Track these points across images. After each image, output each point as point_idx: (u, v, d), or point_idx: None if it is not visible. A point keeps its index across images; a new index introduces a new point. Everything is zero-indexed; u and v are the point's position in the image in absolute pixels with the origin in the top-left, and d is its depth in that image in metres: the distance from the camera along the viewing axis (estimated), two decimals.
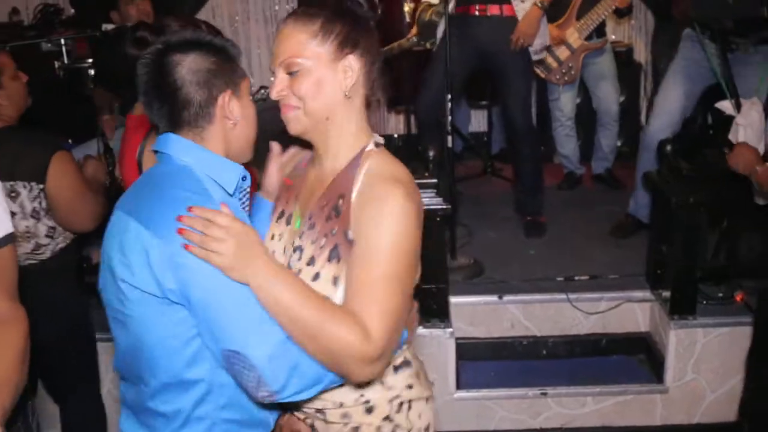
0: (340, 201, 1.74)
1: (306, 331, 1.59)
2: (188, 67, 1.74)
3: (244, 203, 1.87)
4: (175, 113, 1.76)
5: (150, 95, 1.77)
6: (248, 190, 1.88)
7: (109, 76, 4.77)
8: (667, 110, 4.38)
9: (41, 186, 2.96)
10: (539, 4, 4.52)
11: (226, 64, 1.78)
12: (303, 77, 1.72)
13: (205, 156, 1.78)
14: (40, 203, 3.00)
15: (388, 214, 1.64)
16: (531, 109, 4.98)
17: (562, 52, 5.45)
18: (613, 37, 6.05)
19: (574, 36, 5.42)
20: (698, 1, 3.69)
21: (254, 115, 1.86)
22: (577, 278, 4.26)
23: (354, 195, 1.72)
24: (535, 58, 4.78)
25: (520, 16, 4.53)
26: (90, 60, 5.26)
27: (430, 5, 4.83)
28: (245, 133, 1.84)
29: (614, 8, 5.33)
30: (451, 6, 4.48)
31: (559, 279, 4.26)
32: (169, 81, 1.73)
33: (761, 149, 3.24)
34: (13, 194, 2.93)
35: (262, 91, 5.77)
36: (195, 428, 1.74)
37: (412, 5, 5.22)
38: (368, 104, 1.82)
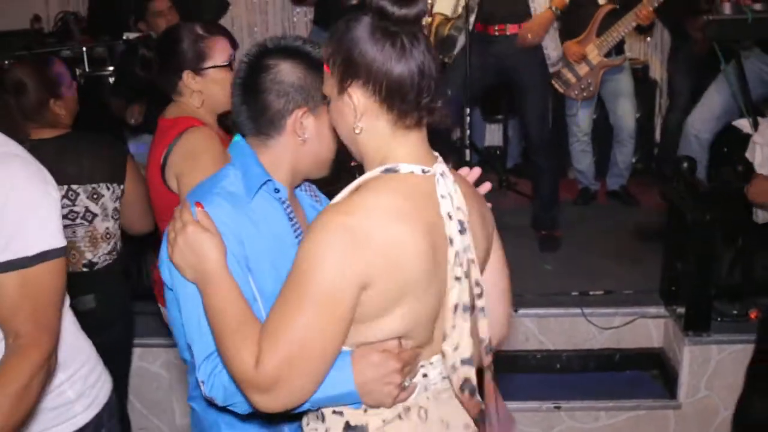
0: None
1: (218, 341, 1.59)
2: (276, 75, 1.77)
3: (289, 214, 1.87)
4: (251, 116, 1.80)
5: (236, 93, 1.82)
6: (287, 201, 1.88)
7: (128, 85, 4.83)
8: (711, 111, 4.40)
9: (122, 186, 3.10)
10: (553, 9, 4.60)
11: (315, 80, 1.78)
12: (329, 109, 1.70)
13: (243, 160, 1.82)
14: (118, 204, 3.12)
15: (318, 241, 1.51)
16: (549, 123, 5.03)
17: (582, 68, 5.47)
18: (630, 54, 6.06)
19: (593, 52, 5.44)
20: (717, 22, 3.71)
21: (330, 136, 1.84)
22: (591, 293, 4.28)
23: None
24: (552, 70, 4.84)
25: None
26: (111, 68, 5.30)
27: (448, 19, 4.87)
28: (315, 152, 1.85)
29: (635, 25, 5.35)
30: (470, 23, 4.54)
31: (574, 294, 4.28)
32: (256, 83, 1.78)
33: None
34: (95, 196, 3.03)
35: None
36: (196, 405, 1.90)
37: (429, 19, 5.25)
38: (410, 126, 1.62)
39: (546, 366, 4.19)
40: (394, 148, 1.61)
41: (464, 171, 1.87)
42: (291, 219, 1.87)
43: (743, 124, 4.07)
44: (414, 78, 1.55)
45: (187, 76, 2.57)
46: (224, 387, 1.63)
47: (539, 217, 5.09)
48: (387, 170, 1.59)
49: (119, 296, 3.29)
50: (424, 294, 1.57)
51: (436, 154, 1.68)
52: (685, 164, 3.98)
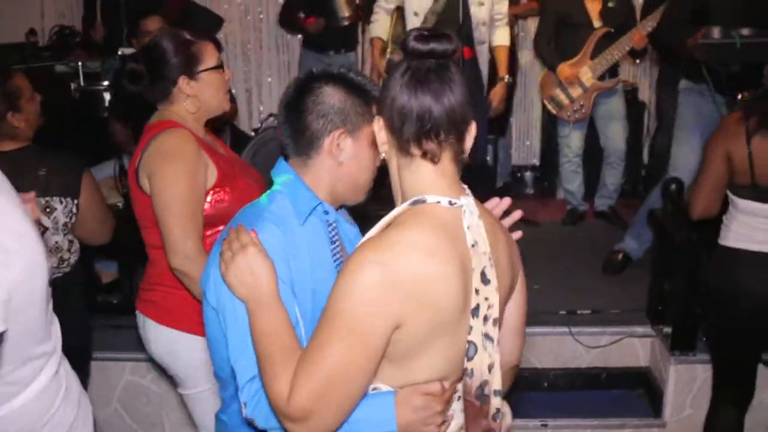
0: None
1: (261, 365, 1.64)
2: (318, 96, 1.84)
3: (332, 237, 1.93)
4: (292, 135, 1.87)
5: (281, 113, 1.89)
6: (334, 226, 1.94)
7: (124, 102, 4.86)
8: (689, 167, 4.45)
9: (76, 201, 3.11)
10: (506, 79, 4.87)
11: (355, 104, 1.85)
12: None
13: (290, 184, 1.87)
14: (71, 218, 3.12)
15: (353, 280, 1.55)
16: (486, 147, 5.21)
17: (575, 90, 5.53)
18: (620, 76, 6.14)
19: (587, 75, 5.50)
20: (706, 45, 3.78)
21: (369, 161, 1.89)
22: (579, 312, 4.33)
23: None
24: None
25: (480, 57, 4.74)
26: (105, 83, 5.33)
27: (397, 45, 4.97)
28: (352, 174, 1.89)
29: (629, 48, 5.42)
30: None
31: (561, 313, 4.33)
32: (299, 104, 1.84)
33: None
34: (48, 209, 3.05)
35: (271, 118, 5.86)
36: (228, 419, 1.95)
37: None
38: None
39: (533, 384, 4.22)
40: (419, 178, 1.65)
41: (494, 202, 1.93)
42: (333, 242, 1.92)
43: None
44: (425, 111, 1.59)
45: (182, 82, 2.57)
46: (266, 411, 1.67)
47: None
48: (414, 202, 1.63)
49: (71, 310, 3.16)
50: (458, 332, 1.61)
51: (465, 186, 1.71)
52: (673, 186, 4.03)
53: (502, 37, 4.90)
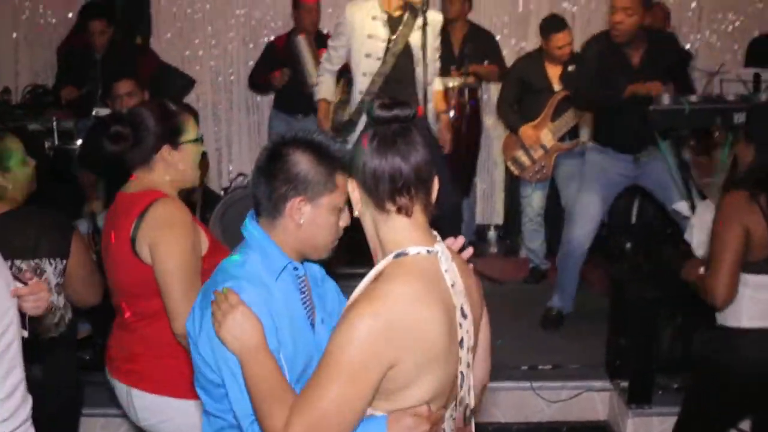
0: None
1: (255, 405, 1.82)
2: (285, 164, 1.96)
3: (302, 288, 2.08)
4: (262, 197, 2.00)
5: (253, 176, 2.02)
6: (304, 278, 2.10)
7: (96, 159, 4.94)
8: (590, 217, 4.74)
9: (65, 261, 3.07)
10: (449, 115, 5.11)
11: (319, 173, 1.97)
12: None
13: (260, 242, 2.02)
14: (62, 278, 3.10)
15: (349, 333, 1.71)
16: (451, 192, 5.21)
17: (537, 152, 5.73)
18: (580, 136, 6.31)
19: (548, 136, 5.72)
20: (657, 112, 4.00)
21: (327, 225, 2.01)
22: (540, 367, 4.47)
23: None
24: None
25: (429, 115, 4.89)
26: (79, 141, 5.40)
27: (343, 103, 5.11)
28: (311, 237, 2.01)
29: None
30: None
31: (523, 368, 4.46)
32: (269, 168, 1.98)
33: None
34: (38, 271, 2.99)
35: (241, 178, 5.99)
36: None
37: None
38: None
39: None
40: (397, 232, 1.82)
41: (449, 242, 2.05)
42: (303, 293, 2.07)
43: (682, 207, 4.35)
44: (396, 171, 1.78)
45: (165, 150, 2.67)
46: None
47: None
48: (398, 255, 1.79)
49: (66, 367, 3.26)
50: (446, 363, 1.78)
51: (435, 233, 1.89)
52: (628, 245, 4.21)
53: (437, 85, 5.09)
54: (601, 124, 4.83)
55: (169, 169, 2.71)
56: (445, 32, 5.29)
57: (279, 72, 6.33)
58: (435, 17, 4.88)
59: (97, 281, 3.19)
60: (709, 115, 3.93)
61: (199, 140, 2.77)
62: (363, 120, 4.78)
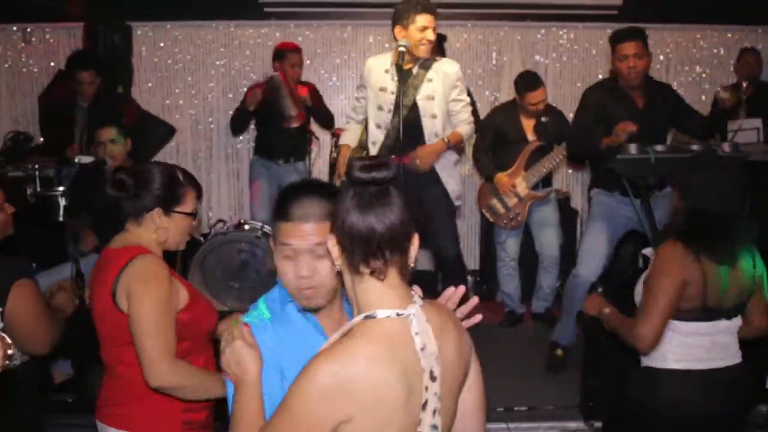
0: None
1: (232, 428, 1.99)
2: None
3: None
4: None
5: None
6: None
7: (85, 207, 5.01)
8: (595, 255, 4.86)
9: (1, 309, 2.94)
10: (446, 140, 4.94)
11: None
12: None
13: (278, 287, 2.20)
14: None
15: (306, 382, 1.76)
16: (459, 243, 5.36)
17: (511, 199, 5.87)
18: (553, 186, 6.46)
19: (522, 185, 5.87)
20: (625, 161, 4.15)
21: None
22: (516, 409, 4.54)
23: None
24: (456, 204, 5.16)
25: (438, 168, 4.97)
26: (61, 188, 5.46)
27: (363, 148, 5.19)
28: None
29: (562, 159, 5.81)
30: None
31: (499, 410, 4.52)
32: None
33: None
34: None
35: (220, 224, 6.06)
36: None
37: (334, 155, 5.61)
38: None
39: None
40: (369, 293, 1.84)
41: (449, 292, 2.12)
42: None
43: (650, 252, 4.46)
44: (370, 232, 1.79)
45: (157, 212, 2.76)
46: None
47: None
48: (366, 317, 1.81)
49: (21, 410, 3.20)
50: (402, 425, 1.80)
51: (414, 292, 1.90)
52: (599, 288, 4.32)
53: (461, 129, 5.01)
54: (602, 171, 4.93)
55: (157, 230, 2.79)
56: None
57: (251, 92, 6.37)
58: (448, 68, 4.95)
59: (44, 331, 3.04)
60: (674, 164, 4.04)
61: (193, 215, 2.87)
62: None
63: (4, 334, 2.19)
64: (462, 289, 2.15)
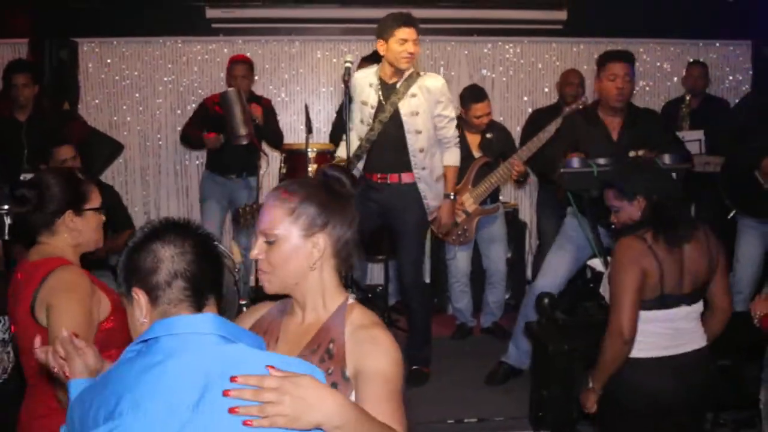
0: (331, 345, 1.99)
1: None
2: None
3: None
4: None
5: None
6: None
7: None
8: (555, 271, 4.90)
9: None
10: (451, 197, 5.18)
11: None
12: (276, 247, 2.01)
13: None
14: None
15: (385, 352, 1.94)
16: (422, 268, 5.38)
17: (459, 216, 5.91)
18: (502, 198, 6.50)
19: (469, 201, 5.90)
20: (568, 174, 4.22)
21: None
22: (466, 420, 4.58)
23: (346, 339, 1.98)
24: (429, 217, 5.20)
25: (421, 183, 5.00)
26: (6, 207, 5.36)
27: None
28: None
29: (509, 175, 5.87)
30: (358, 171, 4.98)
31: (449, 421, 4.56)
32: None
33: None
34: None
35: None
36: None
37: (315, 166, 5.62)
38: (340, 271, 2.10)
39: None
40: (333, 283, 2.08)
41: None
42: None
43: (596, 263, 4.56)
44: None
45: (68, 216, 2.74)
46: None
47: (411, 354, 5.23)
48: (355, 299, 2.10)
49: None
50: None
51: None
52: (546, 300, 4.39)
53: (449, 159, 5.15)
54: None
55: (72, 233, 2.78)
56: None
57: (214, 135, 6.38)
58: (432, 83, 4.97)
59: None
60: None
61: (101, 209, 2.86)
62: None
63: None
64: None
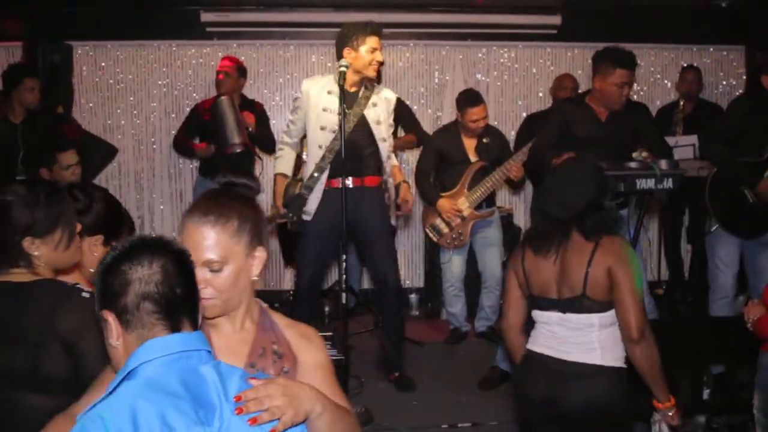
0: (275, 346, 2.08)
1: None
2: None
3: None
4: None
5: None
6: None
7: None
8: None
9: None
10: (407, 182, 5.22)
11: None
12: (223, 273, 1.99)
13: None
14: None
15: (319, 344, 2.17)
16: (398, 267, 5.37)
17: (454, 220, 5.91)
18: (497, 203, 6.51)
19: (465, 205, 5.91)
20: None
21: None
22: (460, 425, 4.56)
23: (288, 337, 2.12)
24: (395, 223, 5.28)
25: (387, 187, 5.08)
26: None
27: (297, 180, 5.15)
28: None
29: (506, 179, 5.89)
30: (323, 181, 4.95)
31: (443, 426, 4.55)
32: None
33: None
34: None
35: None
36: None
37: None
38: None
39: None
40: (252, 291, 2.13)
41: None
42: None
43: None
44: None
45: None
46: None
47: (390, 359, 5.24)
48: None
49: None
50: None
51: None
52: None
53: (394, 161, 5.23)
54: None
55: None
56: None
57: (205, 144, 6.41)
58: (389, 95, 5.10)
59: None
60: (612, 181, 4.13)
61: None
62: (314, 194, 4.91)
63: None
64: None
